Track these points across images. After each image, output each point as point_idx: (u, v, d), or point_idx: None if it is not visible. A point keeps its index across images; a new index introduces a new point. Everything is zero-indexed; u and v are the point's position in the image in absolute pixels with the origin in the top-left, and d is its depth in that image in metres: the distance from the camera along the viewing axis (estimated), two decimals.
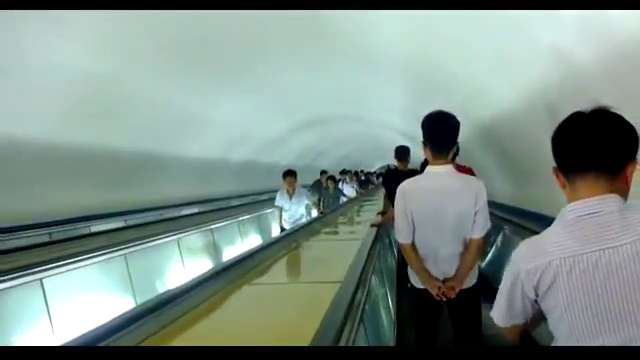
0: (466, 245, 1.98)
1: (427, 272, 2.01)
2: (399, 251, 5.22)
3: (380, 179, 21.22)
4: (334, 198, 8.11)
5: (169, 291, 2.04)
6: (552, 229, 0.94)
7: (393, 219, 3.93)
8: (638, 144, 0.89)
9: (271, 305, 2.14)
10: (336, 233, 5.28)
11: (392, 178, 4.12)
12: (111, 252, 3.54)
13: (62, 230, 4.54)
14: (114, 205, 5.30)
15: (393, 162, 4.45)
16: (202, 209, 7.08)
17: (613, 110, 0.90)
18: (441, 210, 1.92)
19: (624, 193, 0.90)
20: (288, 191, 5.46)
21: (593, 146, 0.88)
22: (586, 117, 0.91)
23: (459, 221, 1.93)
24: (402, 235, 2.02)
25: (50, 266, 2.77)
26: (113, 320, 1.56)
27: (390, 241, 4.95)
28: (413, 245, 2.01)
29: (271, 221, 8.14)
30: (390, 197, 4.02)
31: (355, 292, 1.86)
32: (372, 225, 3.92)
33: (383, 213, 4.54)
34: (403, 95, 6.33)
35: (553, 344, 0.98)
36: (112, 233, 4.36)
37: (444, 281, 2.00)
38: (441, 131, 1.96)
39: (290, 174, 5.42)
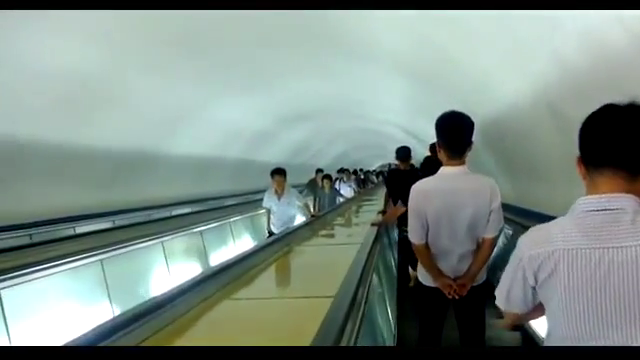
0: (478, 244, 2.03)
1: (439, 271, 2.05)
2: (399, 251, 5.18)
3: (380, 178, 21.02)
4: (330, 198, 7.67)
5: (139, 307, 1.82)
6: (561, 219, 0.94)
7: (394, 218, 3.97)
8: None
9: (252, 324, 1.86)
10: (332, 237, 4.90)
11: (394, 177, 4.38)
12: (84, 258, 3.26)
13: (44, 232, 4.36)
14: (101, 205, 5.15)
15: (393, 161, 4.54)
16: (194, 209, 6.94)
17: None
18: (456, 210, 1.95)
19: None
20: (276, 191, 5.00)
21: (619, 143, 0.86)
22: (620, 111, 0.88)
23: (474, 221, 1.96)
24: (416, 236, 2.05)
25: (8, 276, 2.48)
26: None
27: (390, 241, 4.88)
28: (426, 244, 2.05)
29: (265, 222, 8.04)
30: (392, 196, 4.12)
31: (350, 309, 1.64)
32: (372, 224, 3.93)
33: (384, 212, 4.65)
34: (404, 90, 6.11)
35: (546, 335, 0.99)
36: (99, 234, 4.18)
37: (455, 279, 2.04)
38: (456, 132, 1.96)
39: (278, 172, 4.96)
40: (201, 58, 4.48)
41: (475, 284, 2.06)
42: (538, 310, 1.02)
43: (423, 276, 2.16)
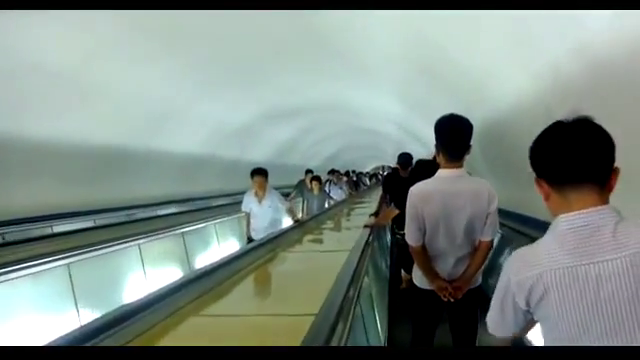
0: (475, 247, 2.05)
1: (436, 273, 2.08)
2: (391, 253, 5.24)
3: (373, 180, 20.87)
4: (320, 201, 7.17)
5: (95, 322, 1.61)
6: (544, 240, 0.96)
7: (386, 220, 4.13)
8: (615, 154, 0.90)
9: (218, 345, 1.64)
10: (319, 242, 4.55)
11: (393, 182, 4.45)
12: (48, 262, 3.01)
13: (17, 231, 4.14)
14: (82, 203, 4.93)
15: (388, 162, 4.45)
16: (181, 209, 6.71)
17: (593, 120, 0.91)
18: (454, 213, 1.97)
19: (608, 201, 0.92)
20: (257, 193, 4.56)
21: (585, 158, 0.89)
22: (569, 128, 0.92)
23: (471, 224, 1.98)
24: (413, 238, 2.06)
25: None
26: None
27: (380, 244, 4.82)
28: (423, 247, 2.07)
29: (244, 227, 7.83)
30: (392, 200, 4.11)
31: (332, 331, 1.45)
32: (365, 226, 3.94)
33: (376, 214, 4.68)
34: (400, 87, 5.99)
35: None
36: (74, 235, 3.91)
37: (451, 282, 2.07)
38: (455, 135, 1.97)
39: (259, 173, 4.51)
40: (188, 54, 4.35)
41: (470, 287, 2.09)
42: (530, 325, 1.04)
43: (418, 279, 2.18)
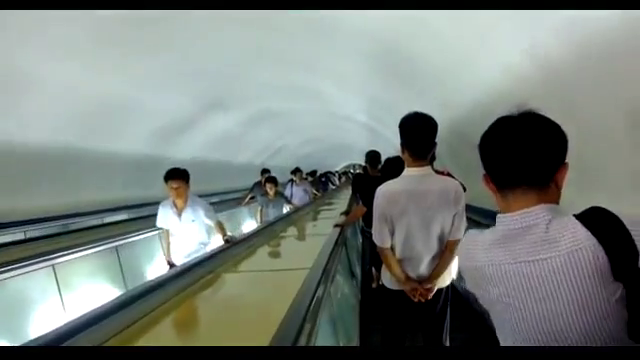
0: (444, 246, 2.09)
1: (405, 274, 2.12)
2: (364, 253, 5.16)
3: (343, 179, 20.69)
4: (277, 207, 6.26)
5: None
6: (486, 234, 0.98)
7: (356, 218, 4.14)
8: (567, 146, 0.91)
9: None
10: (272, 258, 3.70)
11: (363, 182, 4.42)
12: None
13: None
14: (10, 213, 4.41)
15: (358, 161, 4.21)
16: (134, 215, 6.19)
17: (540, 113, 0.92)
18: (421, 212, 2.01)
19: (556, 197, 0.94)
20: (175, 204, 3.46)
21: (522, 161, 0.90)
22: (514, 124, 0.92)
23: (439, 223, 2.03)
24: (381, 239, 2.10)
25: None
26: None
27: (350, 244, 4.63)
28: (391, 247, 2.11)
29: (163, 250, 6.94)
30: (362, 199, 4.08)
31: None
32: (336, 225, 3.94)
33: (347, 213, 4.68)
34: (370, 86, 5.91)
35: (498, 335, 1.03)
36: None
37: (420, 282, 2.12)
38: (419, 133, 2.00)
39: (176, 175, 3.34)
40: (132, 44, 3.99)
41: (440, 287, 2.15)
42: None
43: (387, 279, 2.22)
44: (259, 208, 6.35)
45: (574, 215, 0.87)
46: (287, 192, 7.93)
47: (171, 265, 3.51)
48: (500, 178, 0.95)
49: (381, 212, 2.05)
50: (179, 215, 3.47)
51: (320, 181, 13.27)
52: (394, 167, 2.72)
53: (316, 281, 2.07)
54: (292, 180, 8.27)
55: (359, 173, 6.87)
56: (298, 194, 7.98)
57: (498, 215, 0.96)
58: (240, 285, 2.76)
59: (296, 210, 6.61)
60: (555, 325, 0.88)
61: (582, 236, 0.83)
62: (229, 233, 3.55)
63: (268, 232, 4.50)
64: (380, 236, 2.09)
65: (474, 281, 1.00)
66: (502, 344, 1.02)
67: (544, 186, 0.91)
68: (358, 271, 4.83)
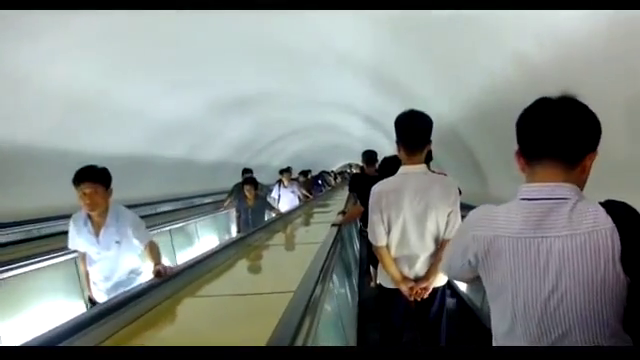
0: (439, 245, 2.11)
1: (400, 273, 2.16)
2: (360, 253, 5.36)
3: (339, 179, 20.67)
4: (256, 214, 5.37)
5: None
6: (507, 205, 1.02)
7: (353, 217, 4.24)
8: (599, 136, 0.95)
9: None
10: (250, 277, 3.10)
11: (360, 182, 4.38)
12: None
13: None
14: None
15: (354, 160, 4.27)
16: None
17: (579, 99, 0.96)
18: (417, 211, 2.05)
19: (581, 183, 0.98)
20: (90, 218, 2.51)
21: (554, 134, 0.95)
22: (552, 104, 0.97)
23: (434, 221, 2.07)
24: (377, 238, 2.14)
25: None
26: None
27: (344, 243, 4.50)
28: (387, 246, 2.15)
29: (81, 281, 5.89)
30: (361, 201, 4.11)
31: None
32: (333, 225, 3.98)
33: (344, 212, 4.73)
34: (368, 80, 5.75)
35: (492, 315, 1.08)
36: None
37: (416, 281, 2.16)
38: (413, 130, 2.05)
39: (85, 176, 2.40)
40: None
41: (436, 285, 2.19)
42: (473, 278, 1.14)
43: (383, 278, 2.27)
44: (237, 215, 5.57)
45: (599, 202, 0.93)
46: (274, 194, 7.45)
47: (93, 302, 2.62)
48: (532, 148, 0.99)
49: (376, 210, 2.09)
50: (96, 234, 2.51)
51: (315, 182, 12.69)
52: (391, 166, 2.76)
53: (300, 311, 1.61)
54: (280, 181, 7.63)
55: (356, 173, 6.85)
56: (286, 197, 7.41)
57: (522, 185, 1.00)
58: (196, 315, 2.18)
59: (281, 217, 5.81)
60: (560, 302, 0.92)
61: (602, 219, 0.89)
62: (165, 261, 2.61)
63: (241, 246, 3.71)
64: (375, 235, 2.13)
65: (483, 251, 1.02)
66: (495, 328, 1.06)
67: (573, 164, 0.95)
68: (355, 270, 4.91)
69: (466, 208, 1.57)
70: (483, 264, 1.04)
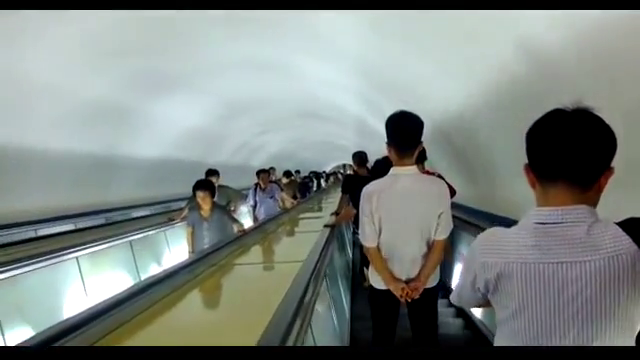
0: (430, 246, 2.19)
1: (391, 274, 2.21)
2: (353, 251, 5.43)
3: (331, 179, 20.67)
4: (213, 231, 4.21)
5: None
6: (516, 229, 1.00)
7: (346, 219, 4.15)
8: (615, 151, 0.92)
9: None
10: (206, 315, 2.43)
11: (352, 184, 4.39)
12: None
13: None
14: None
15: (349, 161, 4.32)
16: (81, 225, 5.55)
17: (594, 111, 0.93)
18: (407, 212, 2.11)
19: (596, 201, 0.96)
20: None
21: (569, 156, 0.91)
22: (566, 119, 0.93)
23: (425, 222, 2.13)
24: (368, 239, 2.19)
25: None
26: None
27: (343, 243, 4.60)
28: (378, 247, 2.20)
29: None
30: (354, 203, 4.17)
31: None
32: (325, 226, 4.03)
33: (337, 213, 4.77)
34: (360, 81, 5.79)
35: (496, 337, 1.07)
36: None
37: (407, 282, 2.21)
38: (404, 131, 2.10)
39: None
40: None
41: (428, 287, 2.23)
42: (484, 305, 1.13)
43: (374, 279, 2.32)
44: (190, 230, 4.33)
45: (615, 222, 0.91)
46: (250, 201, 6.43)
47: None
48: (544, 169, 0.95)
49: (367, 212, 2.13)
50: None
51: (304, 183, 11.69)
52: (383, 167, 2.81)
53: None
54: (257, 185, 6.47)
55: (349, 174, 6.74)
56: (265, 203, 6.36)
57: (534, 209, 0.98)
58: None
59: (249, 231, 4.49)
60: (581, 331, 0.90)
61: (624, 242, 0.87)
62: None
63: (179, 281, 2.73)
64: (366, 235, 2.18)
65: (494, 279, 0.99)
66: (506, 336, 1.04)
67: (587, 187, 0.92)
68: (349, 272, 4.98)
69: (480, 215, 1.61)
70: (494, 291, 1.01)
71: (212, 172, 5.68)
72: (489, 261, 0.99)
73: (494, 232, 1.04)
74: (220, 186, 5.59)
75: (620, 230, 0.89)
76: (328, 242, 3.34)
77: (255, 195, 6.45)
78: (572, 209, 0.92)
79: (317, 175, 17.32)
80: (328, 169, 28.69)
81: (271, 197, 6.50)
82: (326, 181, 19.99)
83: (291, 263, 2.82)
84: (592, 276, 0.88)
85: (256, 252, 4.14)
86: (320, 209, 8.11)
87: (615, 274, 0.86)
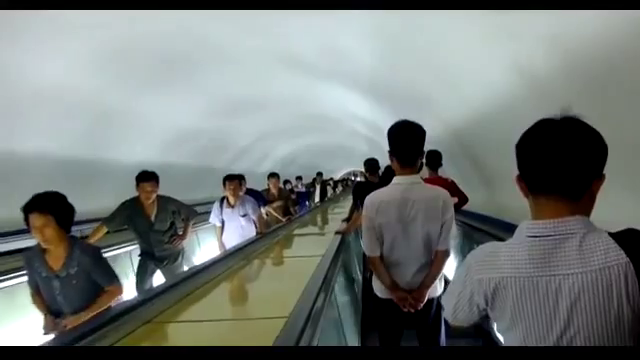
0: (433, 256, 2.23)
1: (394, 283, 2.26)
2: (364, 263, 5.23)
3: (340, 187, 20.70)
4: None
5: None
6: (510, 243, 1.02)
7: (356, 225, 4.21)
8: (606, 158, 0.95)
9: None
10: None
11: (364, 191, 4.51)
12: None
13: None
14: None
15: (358, 167, 4.40)
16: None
17: (582, 119, 0.95)
18: (409, 222, 2.16)
19: (589, 209, 0.99)
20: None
21: (560, 170, 0.94)
22: (555, 129, 0.95)
23: (427, 233, 2.17)
24: (370, 248, 2.25)
25: None
26: None
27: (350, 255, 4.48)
28: (381, 256, 2.26)
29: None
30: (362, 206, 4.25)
31: None
32: (337, 232, 4.14)
33: (348, 219, 4.90)
34: (371, 87, 6.00)
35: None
36: None
37: (410, 291, 2.24)
38: (407, 141, 2.16)
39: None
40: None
41: (431, 297, 2.28)
42: (484, 319, 1.15)
43: (378, 288, 2.36)
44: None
45: (609, 233, 0.93)
46: (212, 220, 4.69)
47: None
48: (535, 182, 0.98)
49: (369, 220, 2.19)
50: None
51: (295, 196, 9.31)
52: (393, 174, 2.84)
53: None
54: (224, 198, 4.70)
55: (360, 181, 6.72)
56: (233, 223, 4.61)
57: (526, 222, 1.00)
58: None
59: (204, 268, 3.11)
60: (572, 343, 0.92)
61: (614, 254, 0.89)
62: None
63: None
64: (368, 244, 2.24)
65: (490, 294, 1.02)
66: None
67: (580, 197, 0.95)
68: (359, 277, 4.95)
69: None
70: (491, 307, 1.04)
71: (150, 174, 3.83)
72: (485, 277, 1.02)
73: (488, 247, 1.08)
74: (160, 197, 3.92)
75: (612, 241, 0.91)
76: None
77: (221, 211, 4.65)
78: (564, 221, 0.94)
79: (323, 181, 13.39)
80: (340, 175, 28.77)
81: (242, 215, 4.63)
82: (334, 189, 17.98)
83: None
84: (584, 288, 0.90)
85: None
86: (330, 220, 6.62)
87: (607, 286, 0.89)
